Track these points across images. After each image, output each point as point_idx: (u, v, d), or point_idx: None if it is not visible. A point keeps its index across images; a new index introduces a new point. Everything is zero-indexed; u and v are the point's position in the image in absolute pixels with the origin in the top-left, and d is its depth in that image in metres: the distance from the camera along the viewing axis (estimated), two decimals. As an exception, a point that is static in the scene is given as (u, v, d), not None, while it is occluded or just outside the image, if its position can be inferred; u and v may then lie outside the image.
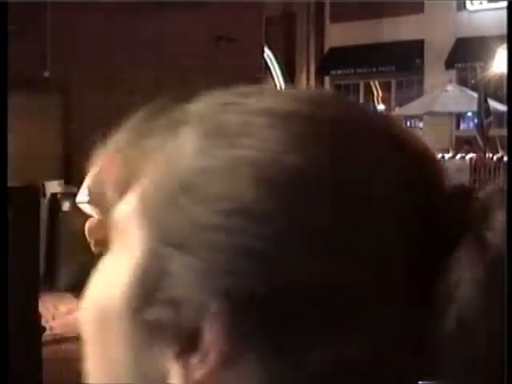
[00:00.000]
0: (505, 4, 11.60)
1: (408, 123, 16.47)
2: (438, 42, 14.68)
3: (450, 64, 14.78)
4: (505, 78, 9.66)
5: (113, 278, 0.42)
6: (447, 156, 10.88)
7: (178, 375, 0.37)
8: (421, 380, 0.38)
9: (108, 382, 0.42)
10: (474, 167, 10.41)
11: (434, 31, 14.68)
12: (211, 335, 0.36)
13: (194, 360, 0.37)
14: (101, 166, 0.46)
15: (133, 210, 0.41)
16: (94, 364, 0.43)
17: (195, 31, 10.98)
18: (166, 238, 0.38)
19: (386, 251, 0.36)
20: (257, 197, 0.35)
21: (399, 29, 14.99)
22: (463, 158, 10.69)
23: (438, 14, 14.89)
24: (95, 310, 0.42)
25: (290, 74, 17.56)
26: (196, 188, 0.37)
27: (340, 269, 0.35)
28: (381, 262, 0.35)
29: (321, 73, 17.24)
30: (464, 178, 10.23)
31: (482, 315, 0.35)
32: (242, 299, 0.36)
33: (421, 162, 0.38)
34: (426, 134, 12.90)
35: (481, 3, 15.08)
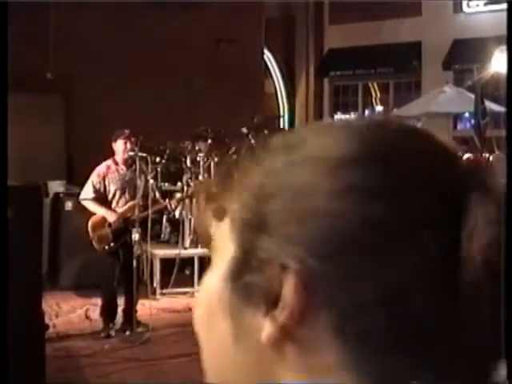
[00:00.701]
0: (502, 6, 11.69)
1: (406, 124, 16.56)
2: (436, 44, 14.74)
3: (447, 65, 14.85)
4: (501, 79, 9.75)
5: (213, 275, 0.55)
6: (444, 156, 10.96)
7: (267, 329, 0.49)
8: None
9: (217, 353, 0.55)
10: (471, 167, 10.47)
11: (431, 33, 14.74)
12: (291, 292, 0.48)
13: (279, 314, 0.49)
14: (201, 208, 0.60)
15: (226, 230, 0.54)
16: (206, 345, 0.56)
17: (195, 32, 11.04)
18: (252, 224, 0.52)
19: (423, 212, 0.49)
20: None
21: (397, 30, 15.05)
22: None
23: (435, 16, 14.95)
24: (200, 303, 0.56)
25: (289, 75, 17.62)
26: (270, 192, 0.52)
27: (396, 226, 0.48)
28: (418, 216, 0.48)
29: (320, 74, 17.28)
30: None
31: (496, 244, 0.47)
32: (315, 262, 0.48)
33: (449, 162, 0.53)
34: (424, 134, 12.92)
35: (477, 5, 15.14)
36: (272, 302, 0.49)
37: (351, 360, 0.49)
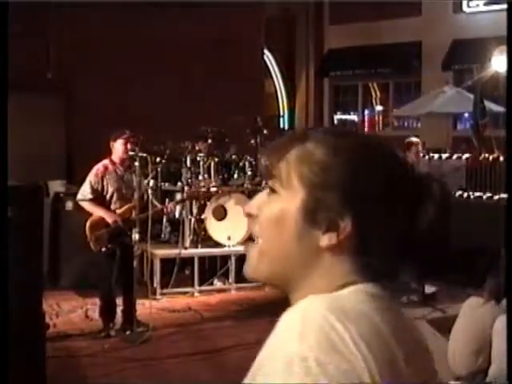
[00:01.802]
0: (501, 6, 11.70)
1: (406, 124, 16.57)
2: (435, 44, 14.75)
3: (446, 65, 14.85)
4: (501, 79, 9.76)
5: (285, 202, 0.99)
6: (444, 156, 10.96)
7: (325, 240, 0.96)
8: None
9: (280, 256, 0.99)
10: (470, 167, 10.49)
11: (431, 33, 14.75)
12: (344, 223, 0.95)
13: (339, 234, 0.95)
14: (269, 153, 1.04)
15: (291, 169, 0.98)
16: (271, 246, 0.99)
17: (195, 32, 11.04)
18: (320, 185, 0.97)
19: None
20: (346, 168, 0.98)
21: (397, 31, 15.06)
22: (460, 157, 10.77)
23: (435, 16, 14.96)
24: (274, 216, 0.98)
25: (289, 75, 17.63)
26: (324, 164, 0.98)
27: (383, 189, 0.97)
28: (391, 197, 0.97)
29: (320, 74, 17.30)
30: (460, 177, 10.31)
31: (437, 219, 0.98)
32: (359, 207, 0.95)
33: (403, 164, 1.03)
34: (424, 134, 12.98)
35: (477, 5, 15.15)
36: (331, 228, 0.96)
37: (362, 264, 0.97)
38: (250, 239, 1.05)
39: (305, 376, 0.84)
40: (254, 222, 1.02)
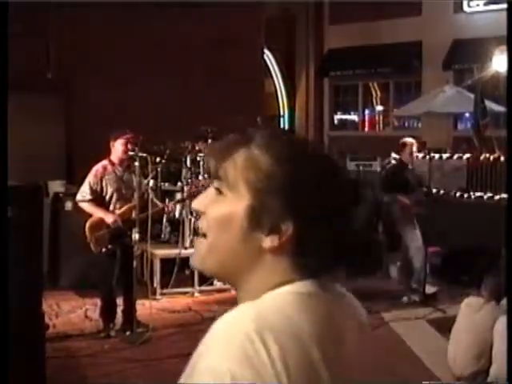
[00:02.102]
0: (502, 6, 11.69)
1: (406, 123, 16.57)
2: (436, 44, 14.75)
3: (447, 65, 14.85)
4: (501, 78, 9.75)
5: (232, 205, 1.07)
6: (445, 156, 10.94)
7: (267, 242, 1.05)
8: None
9: (224, 254, 1.08)
10: (471, 167, 10.48)
11: (431, 33, 14.75)
12: (285, 227, 1.04)
13: (280, 237, 1.04)
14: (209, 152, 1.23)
15: (238, 174, 1.06)
16: (217, 243, 1.08)
17: (195, 32, 11.03)
18: (265, 190, 1.05)
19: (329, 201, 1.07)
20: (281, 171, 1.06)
21: (397, 30, 15.06)
22: (460, 157, 10.75)
23: (435, 16, 14.96)
24: (222, 217, 1.07)
25: (289, 75, 17.63)
26: (262, 166, 1.06)
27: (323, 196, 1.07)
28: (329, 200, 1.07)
29: (320, 74, 17.29)
30: (461, 177, 10.30)
31: (366, 222, 1.13)
32: (300, 212, 1.04)
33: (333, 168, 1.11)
34: (424, 134, 12.99)
35: (478, 5, 15.14)
36: (273, 231, 1.05)
37: (300, 263, 1.07)
38: (196, 233, 1.14)
39: None
40: (202, 217, 1.11)
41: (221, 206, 1.08)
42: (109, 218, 5.82)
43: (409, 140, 7.76)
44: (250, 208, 1.05)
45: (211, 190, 1.11)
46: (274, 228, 1.04)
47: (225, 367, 0.94)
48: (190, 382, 1.00)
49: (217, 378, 0.94)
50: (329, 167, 1.10)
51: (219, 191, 1.09)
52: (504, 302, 4.16)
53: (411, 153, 7.58)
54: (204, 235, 1.10)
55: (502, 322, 4.00)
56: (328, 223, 1.05)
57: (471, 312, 4.45)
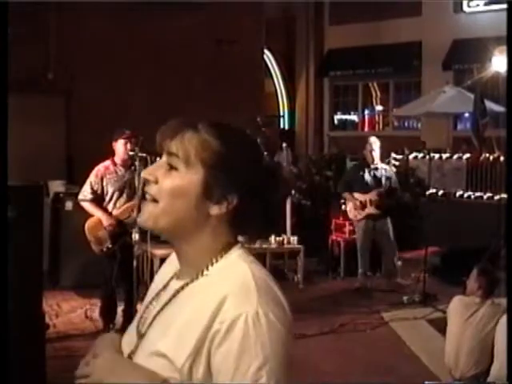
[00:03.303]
0: (502, 6, 11.69)
1: (406, 124, 16.56)
2: (436, 44, 14.75)
3: (447, 65, 14.85)
4: (501, 79, 9.75)
5: (186, 179, 1.31)
6: (444, 156, 10.95)
7: (215, 210, 1.30)
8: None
9: (176, 218, 1.31)
10: (471, 167, 10.49)
11: (431, 33, 14.75)
12: (231, 198, 1.29)
13: (227, 206, 1.30)
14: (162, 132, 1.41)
15: (194, 153, 1.31)
16: (171, 209, 1.31)
17: (196, 33, 11.04)
18: (212, 167, 1.30)
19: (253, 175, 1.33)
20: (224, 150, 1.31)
21: (397, 30, 15.06)
22: (460, 158, 10.76)
23: (435, 16, 14.95)
24: (177, 188, 1.30)
25: (289, 75, 17.63)
26: (212, 145, 1.31)
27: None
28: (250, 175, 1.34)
29: (320, 74, 17.29)
30: (461, 178, 10.31)
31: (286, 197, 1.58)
32: (242, 186, 1.29)
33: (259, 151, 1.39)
34: (424, 134, 12.97)
35: (478, 5, 15.14)
36: (220, 201, 1.29)
37: (237, 232, 1.34)
38: (144, 197, 1.35)
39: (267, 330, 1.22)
40: (151, 185, 1.33)
41: (175, 179, 1.30)
42: (105, 221, 5.82)
43: (371, 138, 7.83)
44: (204, 181, 1.29)
45: (162, 164, 1.35)
46: (221, 198, 1.29)
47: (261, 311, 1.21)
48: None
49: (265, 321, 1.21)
50: (261, 152, 1.38)
51: (171, 166, 1.32)
52: (503, 300, 4.15)
53: (371, 151, 7.64)
54: (154, 200, 1.32)
55: (504, 322, 3.99)
56: (261, 197, 1.30)
57: (468, 312, 4.43)
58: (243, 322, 1.19)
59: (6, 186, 3.29)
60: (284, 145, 8.44)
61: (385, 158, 10.71)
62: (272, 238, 7.84)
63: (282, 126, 17.47)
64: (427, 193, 9.93)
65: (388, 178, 7.81)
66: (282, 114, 17.68)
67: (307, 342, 5.82)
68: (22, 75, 7.78)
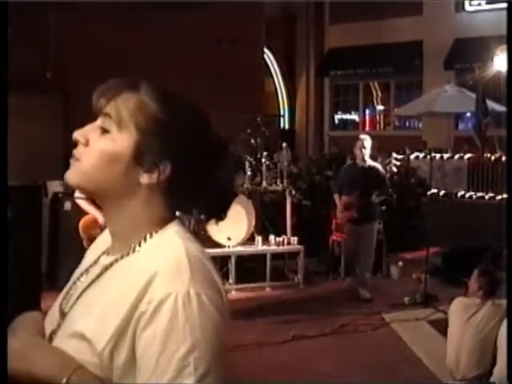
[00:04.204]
0: (503, 5, 11.66)
1: (407, 123, 16.52)
2: (437, 43, 14.71)
3: (448, 65, 14.80)
4: (503, 78, 9.71)
5: (118, 142, 1.19)
6: (446, 156, 10.91)
7: (145, 178, 1.19)
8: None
9: (103, 181, 1.21)
10: (472, 167, 10.46)
11: (432, 32, 14.71)
12: (163, 167, 1.19)
13: (158, 174, 1.19)
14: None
15: (129, 115, 1.19)
16: (98, 171, 1.21)
17: (196, 33, 11.02)
18: (146, 132, 1.19)
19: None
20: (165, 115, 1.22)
21: (398, 30, 15.03)
22: (461, 157, 10.73)
23: (436, 15, 14.92)
24: (108, 151, 1.20)
25: (289, 75, 17.60)
26: (148, 109, 1.22)
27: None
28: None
29: (320, 74, 17.26)
30: (462, 178, 10.28)
31: (230, 173, 1.30)
32: (177, 156, 1.20)
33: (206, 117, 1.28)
34: (425, 133, 12.93)
35: (479, 4, 15.10)
36: (152, 169, 1.19)
37: (174, 202, 1.24)
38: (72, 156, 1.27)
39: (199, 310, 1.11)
40: (79, 147, 1.24)
41: (107, 142, 1.20)
42: (100, 218, 5.81)
43: (362, 135, 7.67)
44: (135, 146, 1.18)
45: (95, 127, 1.22)
46: (153, 166, 1.18)
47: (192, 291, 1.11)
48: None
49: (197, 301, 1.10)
50: (206, 124, 1.25)
51: (104, 129, 1.20)
52: (504, 301, 4.13)
53: (360, 148, 7.33)
54: (76, 159, 1.24)
55: (506, 324, 3.96)
56: (198, 169, 1.20)
57: (469, 313, 4.40)
58: (172, 301, 1.08)
59: (5, 186, 3.26)
60: (284, 144, 8.39)
61: (386, 157, 10.70)
62: (272, 239, 7.82)
63: (282, 125, 17.44)
64: (428, 193, 9.90)
65: (372, 178, 7.34)
66: (282, 113, 17.65)
67: (308, 343, 5.79)
68: (21, 75, 7.75)
